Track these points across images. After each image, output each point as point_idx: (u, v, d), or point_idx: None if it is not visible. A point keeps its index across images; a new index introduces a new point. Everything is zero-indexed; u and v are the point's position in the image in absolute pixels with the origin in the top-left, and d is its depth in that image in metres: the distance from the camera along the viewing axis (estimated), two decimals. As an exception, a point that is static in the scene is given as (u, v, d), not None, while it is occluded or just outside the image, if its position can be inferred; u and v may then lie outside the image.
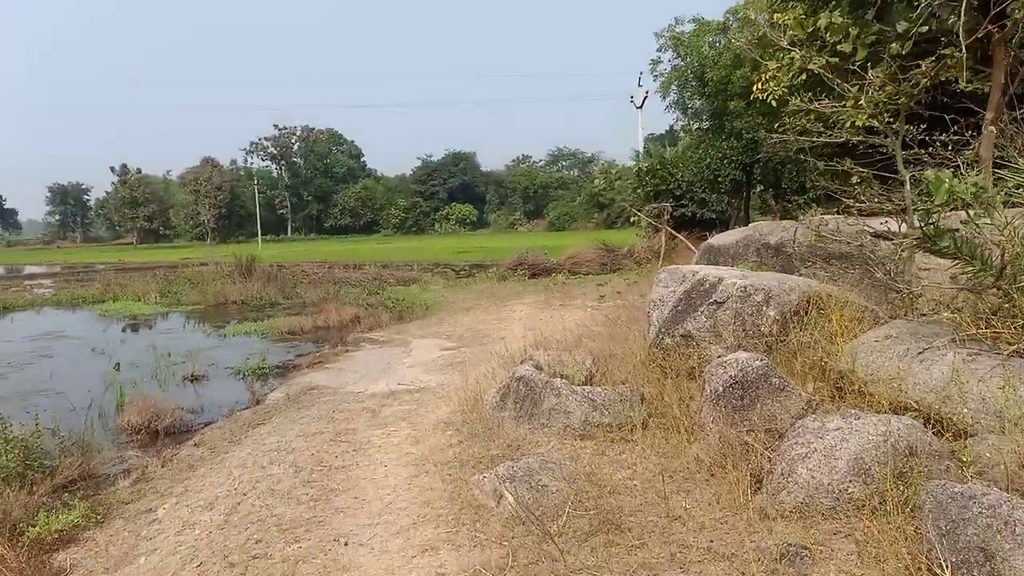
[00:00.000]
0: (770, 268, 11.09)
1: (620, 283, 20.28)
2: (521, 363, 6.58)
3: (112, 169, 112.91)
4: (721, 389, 4.77)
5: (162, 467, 7.02)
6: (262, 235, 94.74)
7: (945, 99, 12.18)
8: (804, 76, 12.09)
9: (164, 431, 8.97)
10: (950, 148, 9.52)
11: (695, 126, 26.10)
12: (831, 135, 11.75)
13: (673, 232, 21.98)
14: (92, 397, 10.63)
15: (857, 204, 12.36)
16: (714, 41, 24.06)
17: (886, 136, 7.49)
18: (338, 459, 6.19)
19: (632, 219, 28.12)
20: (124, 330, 19.74)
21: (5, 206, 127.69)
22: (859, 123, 12.38)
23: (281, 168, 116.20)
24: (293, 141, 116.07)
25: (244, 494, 5.59)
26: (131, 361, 14.13)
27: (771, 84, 12.96)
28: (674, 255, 24.71)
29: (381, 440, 6.59)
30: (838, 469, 3.74)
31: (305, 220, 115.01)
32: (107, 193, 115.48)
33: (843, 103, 12.44)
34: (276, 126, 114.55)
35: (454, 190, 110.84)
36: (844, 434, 3.86)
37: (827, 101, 8.08)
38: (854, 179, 7.89)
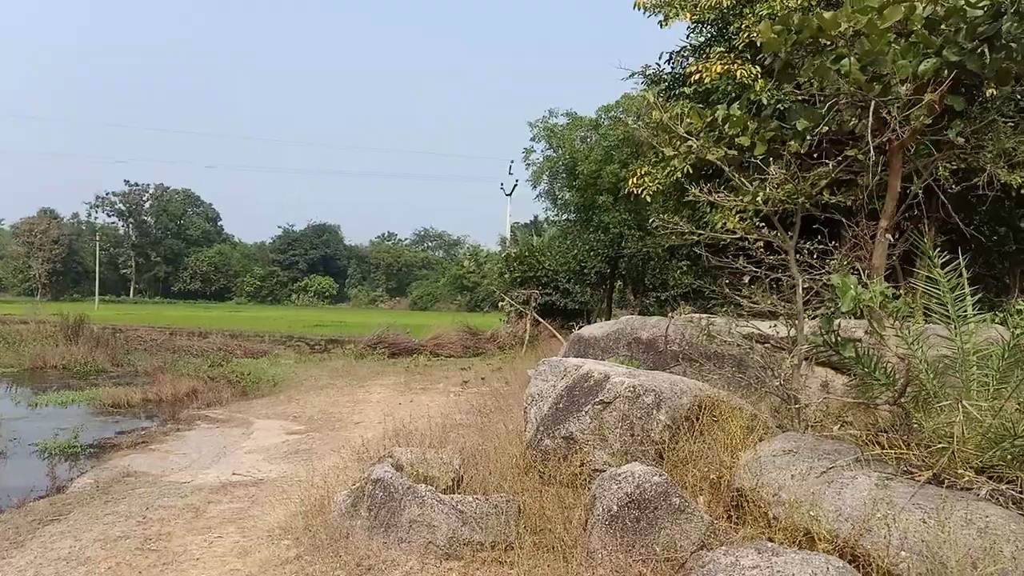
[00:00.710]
0: (640, 363, 10.79)
1: (483, 368, 19.65)
2: (379, 461, 5.71)
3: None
4: (615, 508, 4.14)
5: (-88, 578, 5.54)
6: (101, 295, 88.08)
7: (809, 207, 12.66)
8: (680, 174, 12.22)
9: (-71, 524, 7.31)
10: (815, 256, 9.67)
11: (563, 217, 26.44)
12: (703, 235, 11.86)
13: (539, 319, 21.76)
14: None
15: (732, 305, 12.48)
16: (585, 136, 24.66)
17: (771, 232, 7.32)
18: None
19: (500, 304, 27.80)
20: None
21: None
22: (730, 225, 12.66)
23: (129, 226, 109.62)
24: (145, 199, 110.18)
25: (9, 626, 4.35)
26: (-92, 432, 11.96)
27: (646, 180, 13.05)
28: (538, 342, 24.47)
29: (201, 550, 5.44)
30: (763, 621, 3.15)
31: (151, 282, 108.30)
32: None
33: (739, 196, 12.72)
34: (127, 181, 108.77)
35: (315, 262, 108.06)
36: (766, 575, 3.28)
37: (719, 194, 7.86)
38: (746, 279, 7.65)
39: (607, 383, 5.33)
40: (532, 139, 24.70)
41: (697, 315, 10.77)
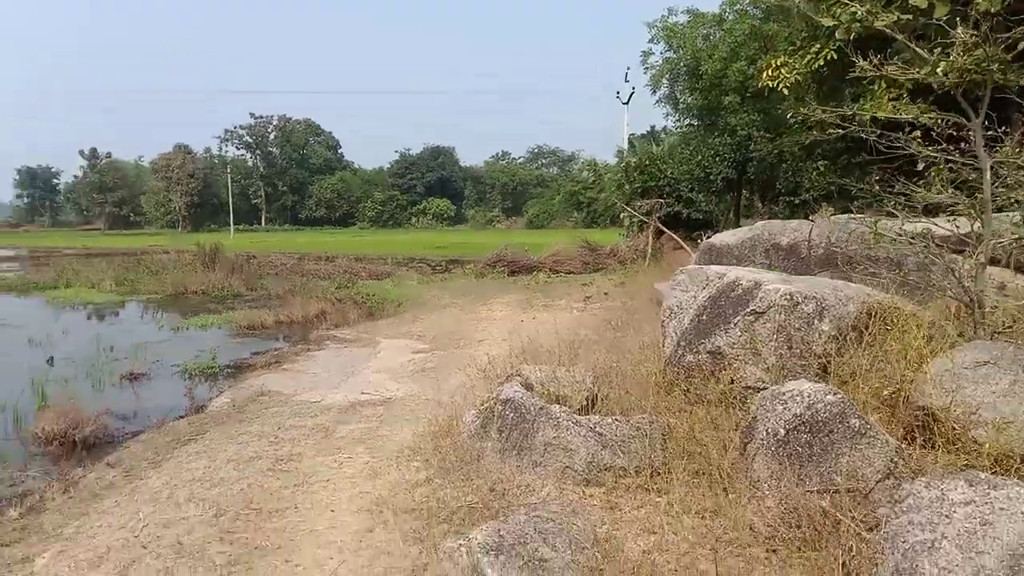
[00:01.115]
0: (781, 271, 9.96)
1: (606, 283, 19.13)
2: (507, 380, 5.36)
3: (81, 153, 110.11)
4: (782, 432, 3.60)
5: (62, 493, 5.71)
6: (235, 225, 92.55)
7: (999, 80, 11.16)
8: (823, 60, 10.98)
9: (83, 442, 7.62)
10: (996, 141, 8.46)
11: (685, 122, 24.99)
12: (851, 129, 10.65)
13: (663, 230, 20.80)
14: (7, 399, 9.22)
15: (888, 202, 11.31)
16: (708, 34, 22.96)
17: (958, 111, 6.27)
18: (273, 498, 4.92)
19: (622, 216, 26.94)
20: (69, 319, 18.18)
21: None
22: (882, 112, 11.36)
23: (256, 158, 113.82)
24: (269, 130, 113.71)
25: (144, 547, 4.32)
26: (68, 355, 12.71)
27: (782, 71, 11.83)
28: (661, 255, 23.63)
29: (331, 471, 5.32)
30: (988, 571, 2.56)
31: (279, 211, 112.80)
32: (76, 177, 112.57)
33: (914, 68, 11.36)
34: (252, 115, 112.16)
35: (432, 185, 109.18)
36: (983, 513, 2.68)
37: (891, 67, 6.80)
38: (919, 166, 6.66)
39: (758, 291, 4.70)
40: (650, 40, 23.22)
41: (844, 216, 9.78)
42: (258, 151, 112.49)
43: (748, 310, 4.63)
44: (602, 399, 5.13)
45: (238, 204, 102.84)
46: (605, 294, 16.19)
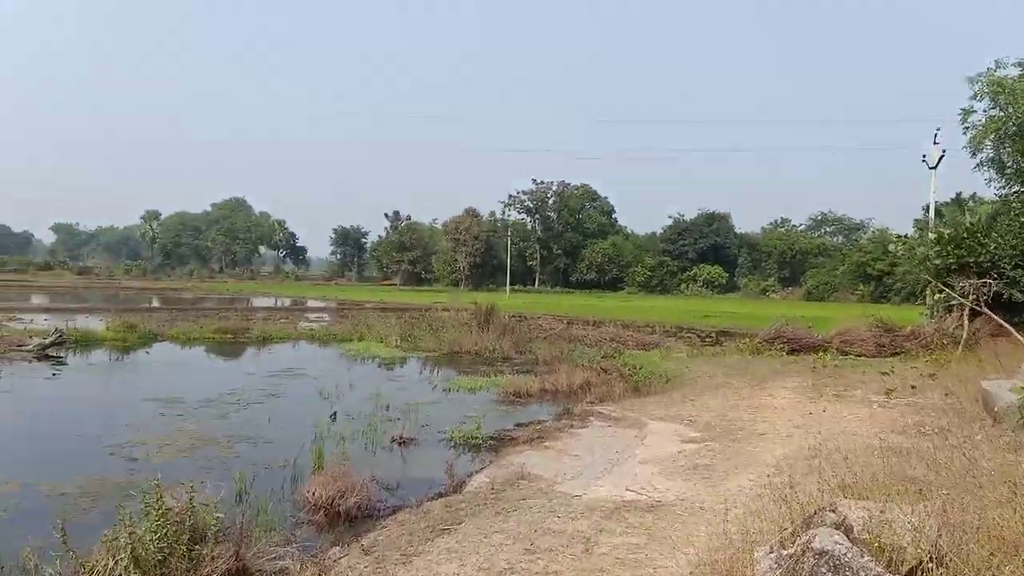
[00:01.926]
0: None
1: (909, 372, 16.57)
2: (816, 515, 4.22)
3: (386, 215, 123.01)
4: None
5: (313, 579, 5.47)
6: (511, 285, 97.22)
7: None
8: None
9: (346, 513, 7.57)
10: None
11: (1013, 189, 21.46)
12: None
13: (992, 315, 17.65)
14: (292, 454, 9.64)
15: None
16: (1047, 87, 19.68)
17: None
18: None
19: (926, 295, 23.71)
20: (356, 373, 19.42)
21: (297, 244, 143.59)
22: None
23: (535, 221, 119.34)
24: (549, 195, 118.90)
25: None
26: (350, 411, 13.35)
27: None
28: (976, 343, 20.23)
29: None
30: None
31: (552, 273, 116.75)
32: (380, 237, 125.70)
33: None
34: (534, 180, 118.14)
35: (704, 251, 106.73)
36: None
37: None
38: None
39: None
40: (972, 97, 20.36)
41: None
42: (537, 215, 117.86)
43: None
44: (949, 558, 3.81)
45: (515, 265, 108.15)
46: (912, 387, 13.90)
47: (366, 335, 27.72)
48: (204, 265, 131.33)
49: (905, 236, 25.57)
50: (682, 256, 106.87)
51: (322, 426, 11.70)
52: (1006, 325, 16.07)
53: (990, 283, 18.04)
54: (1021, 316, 20.80)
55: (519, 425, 12.52)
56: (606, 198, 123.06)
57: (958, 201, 56.83)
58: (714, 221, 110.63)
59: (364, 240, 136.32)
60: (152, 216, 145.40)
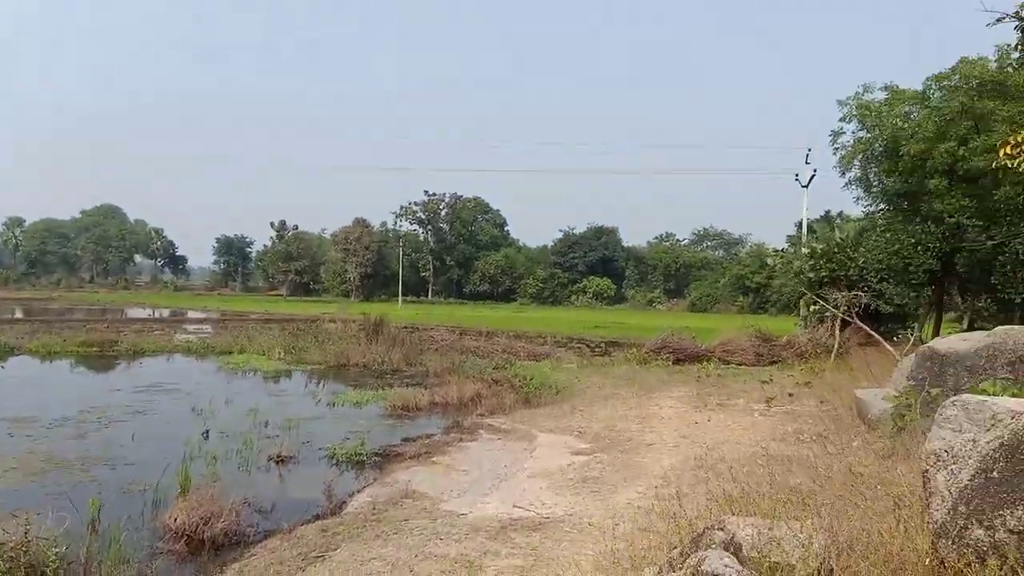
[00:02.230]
0: (1031, 390, 8.00)
1: (786, 381, 17.13)
2: (705, 534, 4.07)
3: (272, 224, 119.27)
4: None
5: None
6: (404, 296, 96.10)
7: None
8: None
9: (212, 540, 6.98)
10: None
11: (879, 207, 22.68)
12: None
13: (863, 325, 18.47)
14: (155, 477, 8.88)
15: None
16: (908, 112, 20.89)
17: None
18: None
19: (810, 306, 24.76)
20: (235, 387, 18.41)
21: (177, 253, 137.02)
22: None
23: (427, 232, 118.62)
24: (441, 207, 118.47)
25: None
26: (224, 428, 12.55)
27: (1027, 147, 9.93)
28: (847, 352, 21.22)
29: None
30: None
31: (446, 284, 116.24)
32: (266, 246, 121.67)
33: None
34: (426, 192, 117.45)
35: (593, 263, 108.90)
36: None
37: None
38: None
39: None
40: (842, 119, 21.41)
41: None
42: (430, 227, 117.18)
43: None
44: (839, 574, 3.73)
45: (407, 276, 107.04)
46: (790, 395, 14.33)
47: (247, 347, 26.51)
48: (73, 274, 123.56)
49: (782, 250, 26.60)
50: (572, 268, 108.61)
51: (192, 445, 10.93)
52: (874, 334, 16.87)
53: (860, 295, 18.92)
54: (887, 326, 22.00)
55: (406, 440, 12.11)
56: (498, 211, 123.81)
57: (827, 218, 60.17)
58: (603, 235, 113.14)
59: (249, 249, 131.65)
60: (15, 223, 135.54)
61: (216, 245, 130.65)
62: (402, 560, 5.56)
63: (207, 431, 12.21)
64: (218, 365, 22.96)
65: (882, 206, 22.35)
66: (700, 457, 9.22)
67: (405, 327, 42.59)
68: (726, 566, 3.44)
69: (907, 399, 8.98)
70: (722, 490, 6.80)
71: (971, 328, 22.16)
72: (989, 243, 18.32)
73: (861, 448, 9.31)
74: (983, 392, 8.19)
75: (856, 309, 17.98)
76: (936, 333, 21.46)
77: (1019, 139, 10.09)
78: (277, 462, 10.43)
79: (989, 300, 22.61)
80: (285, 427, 12.54)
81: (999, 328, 9.06)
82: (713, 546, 3.83)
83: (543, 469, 9.22)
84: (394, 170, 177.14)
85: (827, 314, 24.63)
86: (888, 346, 14.72)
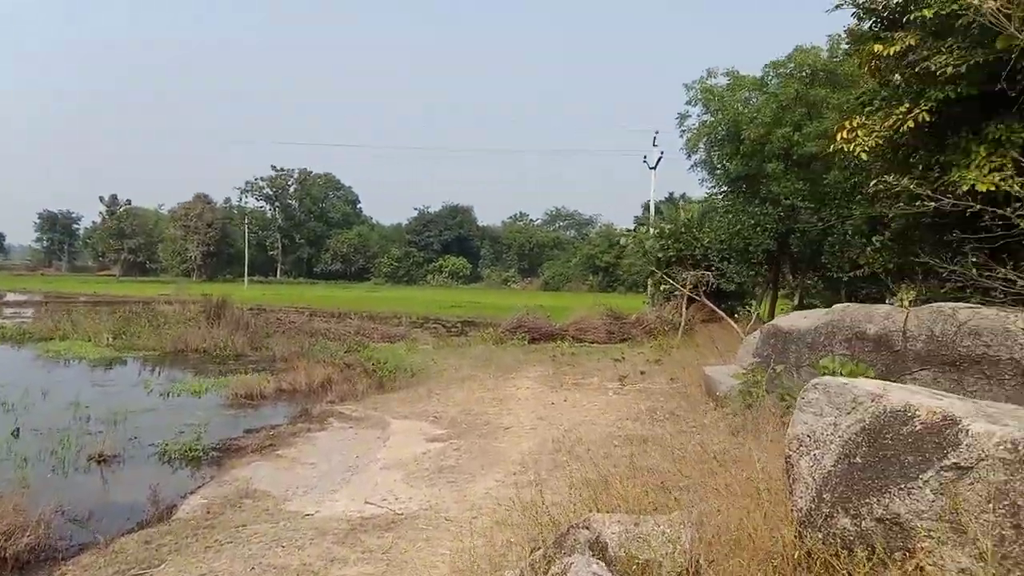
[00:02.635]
0: (869, 367, 8.39)
1: (637, 359, 17.52)
2: (570, 532, 3.80)
3: (101, 199, 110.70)
4: None
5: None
6: (250, 276, 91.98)
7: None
8: (912, 122, 9.57)
9: (16, 558, 6.08)
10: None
11: (723, 189, 23.62)
12: (945, 201, 9.14)
13: (708, 303, 19.13)
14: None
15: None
16: (748, 97, 21.81)
17: None
18: None
19: (659, 285, 25.48)
20: (54, 378, 16.66)
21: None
22: (983, 186, 9.91)
23: (275, 209, 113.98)
24: (289, 183, 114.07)
25: None
26: (40, 425, 11.22)
27: (859, 133, 10.42)
28: (693, 329, 22.06)
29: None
30: None
31: (295, 263, 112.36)
32: (95, 223, 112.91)
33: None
34: (273, 167, 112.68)
35: (449, 242, 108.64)
36: None
37: None
38: None
39: (959, 434, 3.17)
40: (687, 103, 22.07)
41: (948, 304, 8.24)
42: (277, 203, 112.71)
43: (947, 463, 3.11)
44: (706, 571, 3.58)
45: (254, 255, 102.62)
46: (642, 373, 14.60)
47: (71, 333, 24.22)
48: None
49: (633, 230, 27.19)
50: (428, 247, 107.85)
51: (2, 444, 9.68)
52: (718, 311, 17.47)
53: (707, 274, 19.59)
54: (727, 303, 23.02)
55: (249, 431, 11.30)
56: (351, 187, 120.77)
57: (672, 200, 62.74)
58: (458, 214, 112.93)
59: (76, 226, 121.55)
60: None
61: (39, 221, 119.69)
62: (236, 574, 4.97)
63: (17, 429, 10.86)
64: (36, 353, 20.80)
65: (724, 188, 23.30)
66: (558, 440, 9.10)
67: (251, 309, 40.57)
68: (591, 567, 3.16)
69: (754, 376, 9.21)
70: (582, 476, 6.64)
71: (801, 305, 23.64)
72: (820, 224, 19.42)
73: (711, 425, 9.48)
74: (823, 369, 8.52)
75: (704, 288, 18.55)
76: (772, 309, 22.70)
77: (854, 124, 10.59)
78: (99, 462, 9.37)
79: (817, 278, 24.15)
80: (110, 421, 11.41)
81: (837, 306, 9.46)
82: (579, 547, 3.56)
83: (397, 459, 8.78)
84: (239, 143, 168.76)
85: (675, 292, 25.53)
86: (732, 323, 15.27)
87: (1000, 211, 8.81)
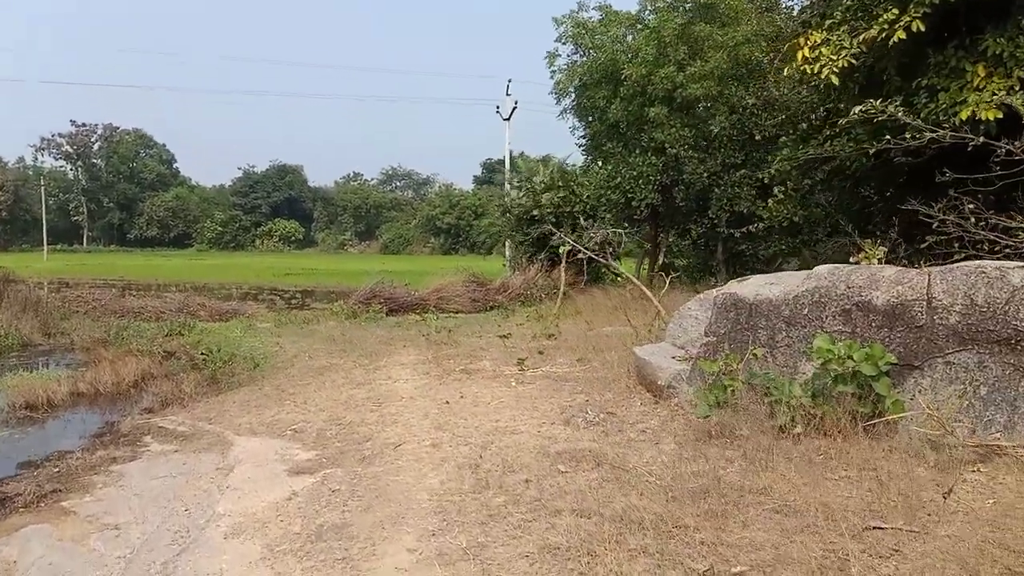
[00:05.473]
0: (880, 349, 6.49)
1: (520, 331, 15.29)
2: None
3: None
4: None
5: None
6: (53, 245, 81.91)
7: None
8: (900, 34, 7.74)
9: None
10: None
11: (599, 140, 21.63)
12: (941, 133, 7.41)
13: (610, 265, 16.82)
14: None
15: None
16: (622, 36, 19.89)
17: None
18: None
19: (517, 245, 23.35)
20: None
21: None
22: (985, 114, 8.29)
23: (78, 170, 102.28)
24: (93, 140, 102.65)
25: None
26: None
27: (823, 52, 8.47)
28: (568, 296, 20.13)
29: None
30: None
31: (105, 229, 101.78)
32: None
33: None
34: (73, 122, 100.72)
35: (279, 205, 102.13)
36: None
37: None
38: None
39: None
40: (557, 39, 19.82)
41: (976, 263, 6.45)
42: (80, 163, 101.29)
43: None
44: None
45: (55, 221, 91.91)
46: (540, 353, 12.32)
47: None
48: None
49: (523, 182, 24.50)
50: (255, 210, 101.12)
51: None
52: (634, 280, 15.29)
53: (621, 233, 17.47)
54: (592, 265, 21.23)
55: (25, 465, 8.04)
56: (164, 145, 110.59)
57: (522, 157, 60.94)
58: (287, 174, 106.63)
59: None
60: None
61: None
62: None
63: None
64: None
65: (603, 140, 21.29)
66: (475, 465, 6.62)
67: (51, 283, 34.97)
68: None
69: (724, 363, 7.12)
70: (542, 539, 4.29)
71: (665, 267, 22.31)
72: (705, 175, 17.90)
73: (668, 430, 7.36)
74: (820, 352, 6.53)
75: (612, 249, 16.37)
76: (652, 271, 21.19)
77: (816, 39, 8.64)
78: None
79: (677, 235, 22.93)
80: None
81: (820, 268, 7.51)
82: None
83: (249, 513, 5.97)
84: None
85: (537, 254, 23.55)
86: (645, 289, 13.23)
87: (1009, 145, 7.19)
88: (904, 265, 7.53)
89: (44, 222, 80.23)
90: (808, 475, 5.49)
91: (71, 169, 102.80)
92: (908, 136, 7.28)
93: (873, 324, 6.68)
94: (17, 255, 71.76)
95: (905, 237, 8.91)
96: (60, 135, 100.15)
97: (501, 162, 60.79)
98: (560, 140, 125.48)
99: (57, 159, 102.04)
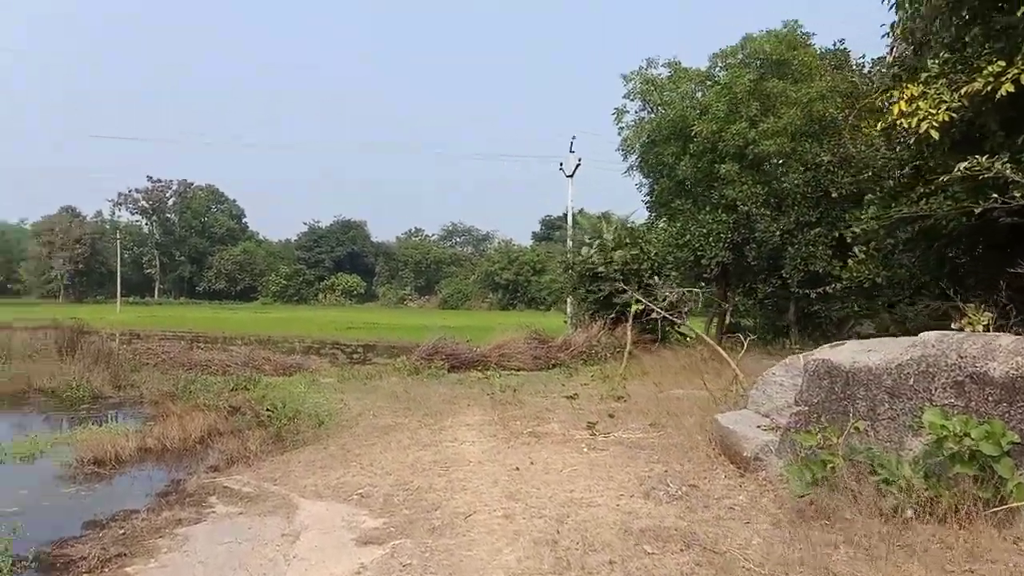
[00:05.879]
0: (1000, 426, 5.93)
1: (585, 391, 14.85)
2: None
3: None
4: None
5: None
6: (125, 296, 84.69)
7: None
8: (1010, 86, 7.32)
9: None
10: None
11: (665, 196, 21.33)
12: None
13: (687, 327, 16.32)
14: None
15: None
16: (691, 92, 19.70)
17: None
18: None
19: (580, 301, 22.98)
20: None
21: None
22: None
23: (152, 224, 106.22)
24: (168, 196, 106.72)
25: None
26: None
27: (921, 106, 8.07)
28: (634, 355, 19.61)
29: None
30: None
31: (176, 282, 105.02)
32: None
33: None
34: (150, 178, 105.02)
35: (341, 259, 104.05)
36: None
37: None
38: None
39: None
40: (626, 96, 19.72)
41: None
42: (155, 217, 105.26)
43: None
44: None
45: (129, 274, 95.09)
46: (610, 416, 11.87)
47: None
48: None
49: (598, 237, 24.18)
50: (319, 264, 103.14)
51: None
52: (709, 341, 14.79)
53: (698, 292, 17.04)
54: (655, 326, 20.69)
55: (91, 526, 7.89)
56: (234, 201, 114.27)
57: (582, 214, 60.96)
58: (350, 229, 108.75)
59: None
60: None
61: None
62: None
63: None
64: None
65: (670, 197, 20.98)
66: (553, 541, 6.22)
67: (123, 335, 35.88)
68: None
69: (825, 436, 6.60)
70: None
71: (732, 326, 21.66)
72: (778, 233, 17.38)
73: (758, 507, 6.84)
74: (933, 428, 5.99)
75: (686, 307, 15.91)
76: (721, 331, 20.57)
77: (914, 92, 8.25)
78: None
79: (742, 295, 22.27)
80: None
81: (927, 335, 6.98)
82: None
83: (317, 587, 5.67)
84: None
85: (600, 312, 23.13)
86: (722, 351, 12.69)
87: None
88: (1017, 333, 6.96)
89: (119, 275, 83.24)
90: (931, 568, 4.94)
91: (146, 223, 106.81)
92: (1018, 195, 6.80)
93: (990, 398, 6.12)
94: (92, 307, 74.43)
95: (1010, 301, 8.31)
96: (137, 190, 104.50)
97: (561, 218, 61.05)
98: (619, 196, 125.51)
99: (133, 214, 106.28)
